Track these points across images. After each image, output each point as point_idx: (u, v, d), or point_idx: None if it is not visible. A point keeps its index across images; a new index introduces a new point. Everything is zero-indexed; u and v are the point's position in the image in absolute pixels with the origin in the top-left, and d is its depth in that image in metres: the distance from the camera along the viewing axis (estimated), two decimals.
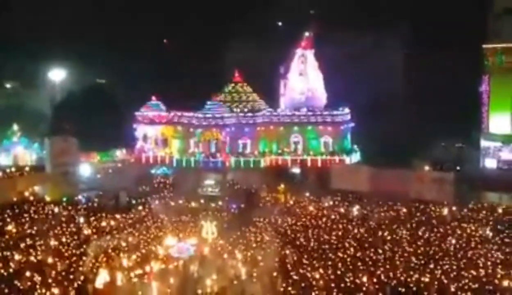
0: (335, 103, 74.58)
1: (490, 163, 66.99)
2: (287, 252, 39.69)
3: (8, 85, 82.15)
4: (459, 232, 43.88)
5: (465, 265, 35.91)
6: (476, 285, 32.52)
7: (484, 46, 68.22)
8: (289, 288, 32.92)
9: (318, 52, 75.75)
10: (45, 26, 76.19)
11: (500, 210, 49.12)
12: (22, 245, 40.97)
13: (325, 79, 75.88)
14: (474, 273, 34.40)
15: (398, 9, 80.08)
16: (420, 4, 79.37)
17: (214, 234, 42.48)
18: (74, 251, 40.03)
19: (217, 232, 42.80)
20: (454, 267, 35.63)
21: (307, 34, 75.59)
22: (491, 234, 43.06)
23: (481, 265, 35.79)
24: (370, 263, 37.25)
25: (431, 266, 36.22)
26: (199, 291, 33.09)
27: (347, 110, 73.83)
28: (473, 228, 44.67)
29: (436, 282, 33.42)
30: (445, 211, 49.34)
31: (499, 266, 35.38)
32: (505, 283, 32.90)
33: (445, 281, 33.50)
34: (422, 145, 65.76)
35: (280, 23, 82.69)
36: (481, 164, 67.22)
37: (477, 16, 69.33)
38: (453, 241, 41.59)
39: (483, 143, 68.67)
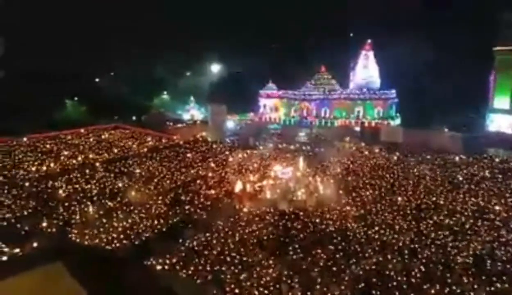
0: (386, 85, 72.85)
1: (492, 128, 63.03)
2: (349, 178, 40.61)
3: (188, 73, 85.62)
4: (465, 172, 42.30)
5: (468, 195, 35.07)
6: (475, 208, 32.07)
7: (494, 48, 63.07)
8: (350, 200, 34.53)
9: (376, 52, 73.97)
10: (207, 35, 78.58)
11: (497, 160, 46.51)
12: (195, 165, 44.37)
13: (380, 70, 74.16)
14: (474, 200, 33.64)
15: (430, 13, 75.15)
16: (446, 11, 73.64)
17: (303, 164, 43.39)
18: (221, 170, 42.54)
19: (305, 163, 43.91)
20: (461, 196, 34.86)
21: (369, 40, 73.69)
22: (489, 175, 41.13)
23: (479, 195, 34.82)
24: (402, 188, 37.45)
25: (444, 192, 35.88)
26: (294, 198, 35.19)
27: (393, 91, 71.94)
28: (475, 170, 42.76)
29: (448, 203, 33.28)
30: (457, 158, 47.42)
31: (494, 197, 34.38)
32: (497, 207, 32.09)
33: (454, 203, 33.09)
34: (444, 114, 62.77)
35: (351, 34, 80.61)
36: (485, 129, 63.44)
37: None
38: (460, 178, 40.40)
39: (489, 115, 64.49)
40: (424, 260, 24.15)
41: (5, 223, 28.31)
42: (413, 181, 39.35)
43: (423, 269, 23.15)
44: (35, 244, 25.00)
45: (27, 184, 35.52)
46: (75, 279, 12.54)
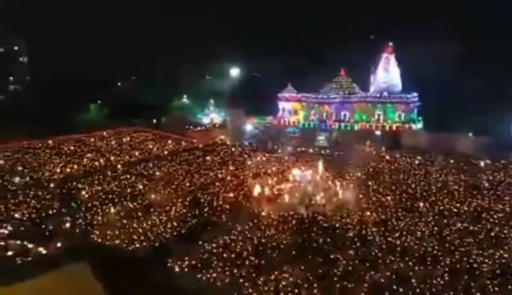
0: (408, 88, 71.51)
1: None
2: (369, 183, 40.04)
3: (207, 77, 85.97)
4: (491, 177, 41.12)
5: (494, 201, 34.37)
6: (502, 214, 31.42)
7: None
8: (370, 205, 34.21)
9: (397, 55, 72.74)
10: (227, 38, 79.05)
11: None
12: (214, 168, 44.79)
13: (401, 73, 72.85)
14: (500, 207, 33.04)
15: (454, 18, 73.46)
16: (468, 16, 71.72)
17: (322, 168, 43.00)
18: (240, 173, 42.79)
19: (325, 167, 43.46)
20: (486, 202, 34.22)
21: (390, 43, 72.52)
22: None
23: (506, 202, 33.96)
24: (424, 194, 36.77)
25: (469, 198, 35.18)
26: (313, 202, 35.03)
27: (415, 94, 70.41)
28: (502, 176, 41.35)
29: (472, 209, 32.68)
30: (482, 163, 45.83)
31: None
32: None
33: (479, 210, 32.47)
34: (468, 117, 60.82)
35: (372, 36, 79.52)
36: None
37: None
38: (486, 184, 39.22)
39: None
40: (447, 268, 23.60)
41: (30, 223, 29.22)
42: (435, 187, 38.61)
43: (446, 277, 22.61)
44: (59, 244, 25.76)
45: (51, 185, 36.62)
46: (99, 279, 12.87)
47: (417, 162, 48.19)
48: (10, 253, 24.34)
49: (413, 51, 65.15)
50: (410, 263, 24.07)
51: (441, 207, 33.26)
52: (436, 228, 29.08)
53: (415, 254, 25.23)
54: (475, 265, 23.86)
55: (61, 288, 12.51)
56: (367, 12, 77.38)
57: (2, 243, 25.63)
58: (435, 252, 25.54)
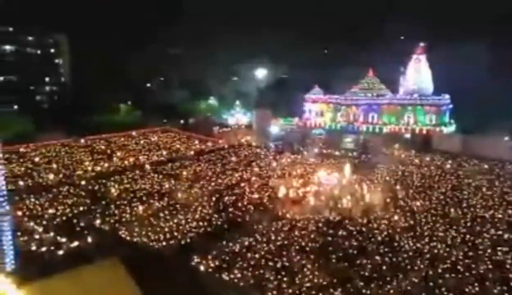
0: (439, 90, 69.40)
1: None
2: (398, 187, 39.33)
3: (234, 78, 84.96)
4: None
5: None
6: None
7: None
8: (398, 210, 33.37)
9: (428, 56, 70.76)
10: (253, 40, 78.75)
11: None
12: (239, 169, 45.02)
13: (432, 74, 70.87)
14: None
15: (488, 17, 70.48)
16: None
17: (349, 171, 42.38)
18: (265, 175, 43.11)
19: (351, 170, 42.86)
20: None
21: (421, 44, 70.75)
22: None
23: None
24: (456, 200, 35.85)
25: (504, 205, 34.20)
26: (338, 205, 34.65)
27: (447, 96, 68.38)
28: None
29: (507, 217, 31.75)
30: None
31: None
32: None
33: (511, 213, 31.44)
34: (504, 120, 58.21)
35: (402, 37, 77.47)
36: None
37: None
38: None
39: None
40: (479, 277, 22.85)
41: (64, 219, 30.44)
42: (468, 192, 37.46)
43: (478, 287, 21.91)
44: (89, 239, 26.71)
45: (83, 182, 37.99)
46: (130, 275, 13.25)
47: (448, 166, 46.91)
48: (44, 248, 25.40)
49: (444, 52, 63.03)
50: (440, 270, 23.39)
51: (474, 214, 32.25)
52: (468, 236, 28.23)
53: (446, 262, 24.53)
54: (510, 275, 22.94)
55: (96, 280, 13.02)
56: (397, 12, 75.32)
57: (37, 237, 26.77)
58: (466, 260, 24.77)
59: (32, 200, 32.95)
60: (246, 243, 27.04)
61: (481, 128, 55.96)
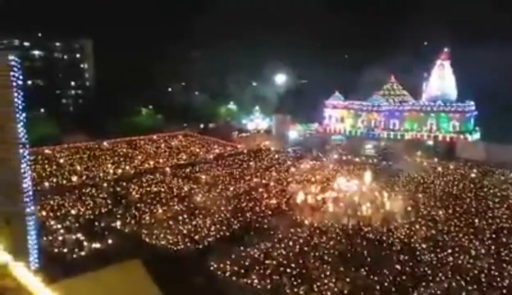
0: (464, 97, 67.73)
1: None
2: (419, 196, 38.56)
3: (253, 83, 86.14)
4: None
5: None
6: None
7: None
8: (419, 219, 32.74)
9: (452, 61, 69.26)
10: (273, 45, 79.00)
11: None
12: (258, 174, 45.36)
13: (457, 80, 69.32)
14: None
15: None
16: None
17: (369, 178, 41.73)
18: (283, 180, 43.16)
19: (372, 177, 42.18)
20: None
21: (446, 49, 69.39)
22: None
23: None
24: (480, 209, 34.90)
25: None
26: (358, 213, 34.28)
27: (472, 102, 66.63)
28: None
29: None
30: None
31: None
32: None
33: None
34: None
35: (425, 43, 76.30)
36: None
37: None
38: None
39: None
40: (504, 291, 22.13)
41: (86, 220, 31.19)
42: (493, 202, 36.33)
43: None
44: (110, 241, 27.28)
45: (105, 184, 38.87)
46: (150, 276, 13.51)
47: (473, 175, 45.73)
48: (66, 249, 26.06)
49: (469, 57, 61.62)
50: (463, 283, 22.79)
51: (500, 225, 31.30)
52: (493, 247, 27.49)
53: (469, 274, 23.90)
54: None
55: (118, 282, 13.32)
56: (420, 17, 74.07)
57: (60, 238, 27.52)
58: (491, 272, 24.06)
59: (56, 200, 33.77)
60: (264, 248, 27.00)
61: (507, 135, 54.31)
